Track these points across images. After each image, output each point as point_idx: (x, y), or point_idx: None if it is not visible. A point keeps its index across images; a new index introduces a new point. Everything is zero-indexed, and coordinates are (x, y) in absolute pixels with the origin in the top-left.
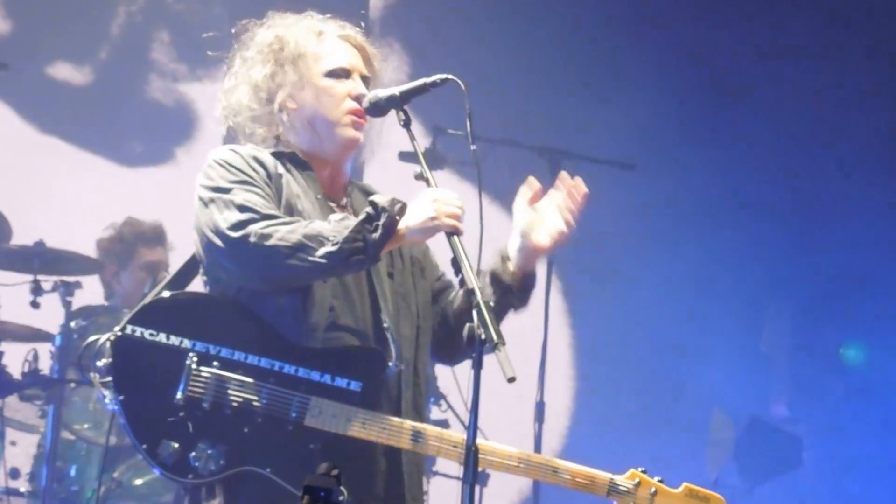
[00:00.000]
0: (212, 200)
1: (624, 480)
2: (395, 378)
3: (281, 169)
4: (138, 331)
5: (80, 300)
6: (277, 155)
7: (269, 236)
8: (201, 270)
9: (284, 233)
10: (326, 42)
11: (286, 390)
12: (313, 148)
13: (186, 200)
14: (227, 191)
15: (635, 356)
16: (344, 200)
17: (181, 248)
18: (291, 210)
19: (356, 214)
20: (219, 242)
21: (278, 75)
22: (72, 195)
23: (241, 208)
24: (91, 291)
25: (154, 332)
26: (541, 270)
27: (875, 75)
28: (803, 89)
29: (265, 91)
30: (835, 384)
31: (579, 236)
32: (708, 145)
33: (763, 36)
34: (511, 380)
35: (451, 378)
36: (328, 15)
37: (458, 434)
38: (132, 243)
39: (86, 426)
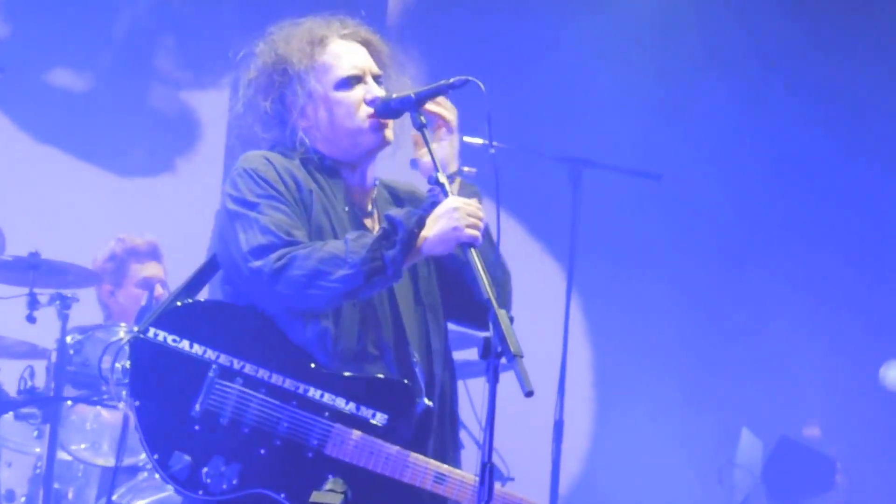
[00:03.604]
0: (237, 215)
1: None
2: (423, 415)
3: (311, 183)
4: (161, 335)
5: (77, 316)
6: (305, 162)
7: (285, 266)
8: (222, 276)
9: (301, 260)
10: (330, 49)
11: (309, 415)
12: (338, 155)
13: (187, 211)
14: (253, 206)
15: (660, 374)
16: (370, 207)
17: (181, 259)
18: (320, 227)
19: (381, 222)
20: (240, 263)
21: (287, 97)
22: (68, 206)
23: (264, 230)
24: (88, 307)
25: (177, 339)
26: (560, 283)
27: None
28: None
29: (275, 117)
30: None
31: (601, 249)
32: (739, 153)
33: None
34: (529, 394)
35: (464, 395)
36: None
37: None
38: (124, 260)
39: (83, 446)
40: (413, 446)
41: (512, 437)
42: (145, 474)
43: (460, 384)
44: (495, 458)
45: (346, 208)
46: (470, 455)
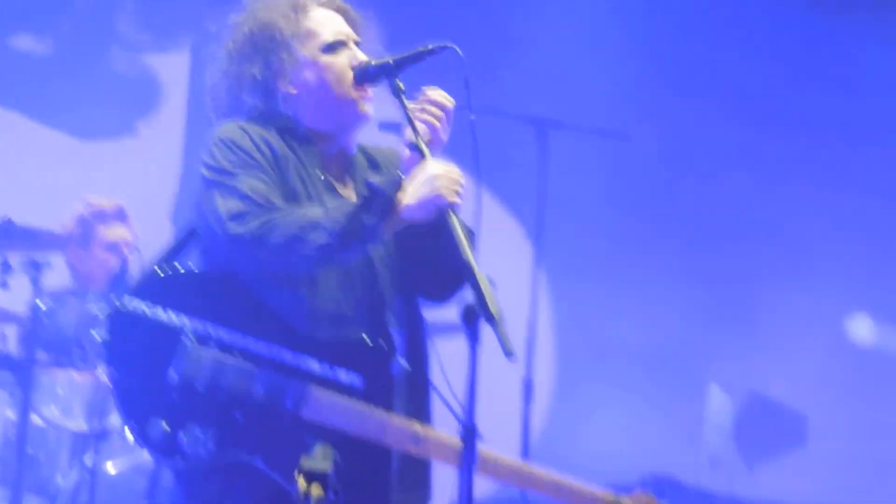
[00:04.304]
0: (214, 183)
1: (630, 501)
2: (398, 377)
3: (286, 150)
4: (137, 303)
5: (48, 280)
6: (282, 131)
7: (265, 233)
8: (200, 245)
9: (281, 226)
10: (312, 16)
11: (284, 378)
12: (320, 125)
13: (149, 173)
14: (230, 174)
15: (624, 334)
16: (347, 175)
17: (143, 221)
18: (296, 194)
19: (360, 189)
20: (219, 230)
21: (273, 63)
22: (32, 171)
23: (243, 197)
24: (60, 272)
25: (153, 307)
26: (526, 244)
27: None
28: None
29: (262, 83)
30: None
31: (568, 211)
32: (706, 113)
33: None
34: (510, 356)
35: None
36: None
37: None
38: (91, 223)
39: (54, 410)
40: (388, 408)
41: (479, 398)
42: (117, 438)
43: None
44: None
45: (322, 175)
46: (439, 416)
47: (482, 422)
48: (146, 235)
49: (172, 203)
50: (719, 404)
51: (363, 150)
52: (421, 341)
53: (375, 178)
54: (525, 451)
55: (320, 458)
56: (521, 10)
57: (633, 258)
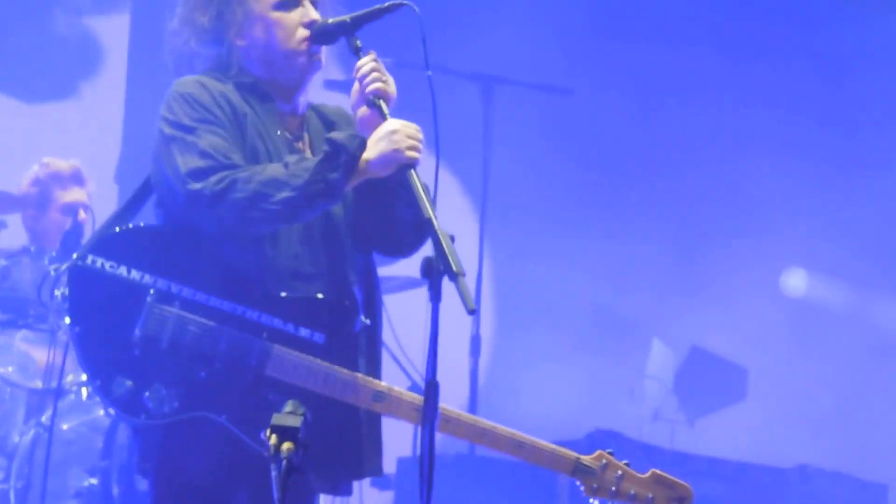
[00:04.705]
0: (173, 138)
1: (590, 461)
2: (359, 333)
3: (245, 106)
4: (98, 261)
5: (5, 241)
6: (239, 86)
7: (226, 189)
8: (155, 199)
9: (242, 183)
10: None
11: (247, 336)
12: (271, 78)
13: (92, 134)
14: (190, 130)
15: (567, 289)
16: (302, 132)
17: (89, 182)
18: (255, 151)
19: (315, 146)
20: (178, 187)
21: (225, 15)
22: None
23: (203, 154)
24: (14, 233)
25: (115, 265)
26: (474, 201)
27: None
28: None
29: (212, 33)
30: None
31: (514, 165)
32: (648, 67)
33: None
34: (472, 312)
35: (384, 315)
36: None
37: (421, 397)
38: (48, 185)
39: (10, 369)
40: (348, 364)
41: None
42: (72, 396)
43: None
44: (414, 375)
45: (279, 132)
46: (386, 371)
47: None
48: (92, 196)
49: (116, 163)
50: (661, 359)
51: (314, 108)
52: (376, 297)
53: (338, 135)
54: (472, 407)
55: (290, 414)
56: None
57: (576, 214)
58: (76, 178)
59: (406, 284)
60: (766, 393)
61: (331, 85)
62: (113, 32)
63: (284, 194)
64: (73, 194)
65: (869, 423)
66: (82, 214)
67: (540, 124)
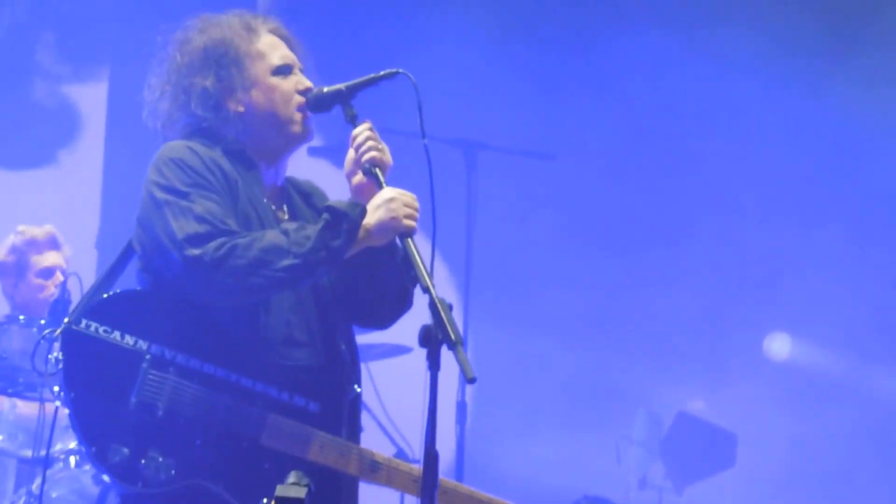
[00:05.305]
0: (167, 203)
1: None
2: (351, 402)
3: (234, 173)
4: (92, 325)
5: None
6: (228, 152)
7: (226, 255)
8: (140, 264)
9: (242, 249)
10: (261, 39)
11: (243, 405)
12: (261, 145)
13: (72, 201)
14: (184, 195)
15: (554, 354)
16: (283, 205)
17: (69, 249)
18: (247, 218)
19: (296, 218)
20: (174, 253)
21: (225, 79)
22: None
23: (200, 219)
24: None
25: (109, 329)
26: (460, 266)
27: None
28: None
29: (214, 97)
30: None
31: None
32: (628, 135)
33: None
34: (471, 381)
35: (367, 376)
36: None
37: (416, 466)
38: (24, 252)
39: (1, 438)
40: (338, 431)
41: (414, 420)
42: (61, 465)
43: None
44: (399, 442)
45: (265, 200)
46: (371, 437)
47: (416, 443)
48: (72, 262)
49: (96, 229)
50: (648, 425)
51: (289, 180)
52: (358, 360)
53: (339, 203)
54: (459, 474)
55: (295, 485)
56: (447, 37)
57: (560, 279)
58: (51, 243)
59: (388, 352)
60: (756, 460)
61: (314, 151)
62: (91, 101)
63: (287, 261)
64: (50, 258)
65: (859, 491)
66: (59, 277)
67: (523, 190)
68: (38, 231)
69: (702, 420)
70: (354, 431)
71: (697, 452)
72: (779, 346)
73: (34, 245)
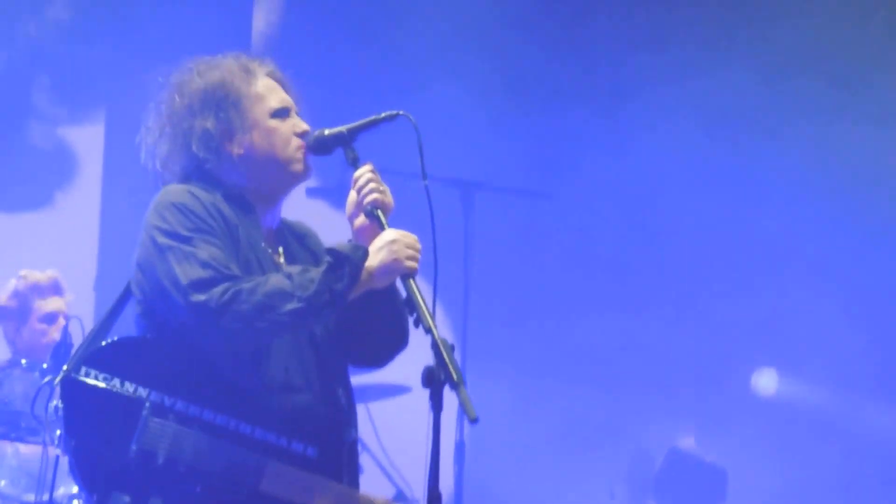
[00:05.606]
0: (170, 248)
1: None
2: (349, 447)
3: (235, 218)
4: (91, 373)
5: None
6: (227, 197)
7: (231, 300)
8: (139, 309)
9: (247, 294)
10: (259, 81)
11: (242, 451)
12: (260, 188)
13: (69, 244)
14: (186, 240)
15: (546, 391)
16: (280, 248)
17: (68, 291)
18: (248, 262)
19: (293, 261)
20: (178, 298)
21: (224, 122)
22: None
23: (204, 265)
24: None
25: (108, 377)
26: (458, 302)
27: None
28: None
29: (215, 139)
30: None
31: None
32: (624, 174)
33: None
34: (474, 421)
35: (366, 417)
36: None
37: None
38: (27, 297)
39: (2, 482)
40: (337, 477)
41: (413, 459)
42: None
43: (361, 407)
44: (399, 482)
45: (263, 244)
46: (370, 477)
47: (415, 483)
48: (71, 305)
49: (94, 271)
50: (640, 460)
51: (283, 223)
52: (354, 408)
53: (341, 246)
54: None
55: None
56: (441, 77)
57: (555, 317)
58: (55, 288)
59: (387, 391)
60: (747, 496)
61: (312, 192)
62: (87, 142)
63: (292, 305)
64: (53, 303)
65: None
66: (62, 322)
67: (520, 229)
68: (42, 276)
69: (692, 456)
70: (354, 476)
71: (688, 488)
72: (766, 381)
73: (37, 290)
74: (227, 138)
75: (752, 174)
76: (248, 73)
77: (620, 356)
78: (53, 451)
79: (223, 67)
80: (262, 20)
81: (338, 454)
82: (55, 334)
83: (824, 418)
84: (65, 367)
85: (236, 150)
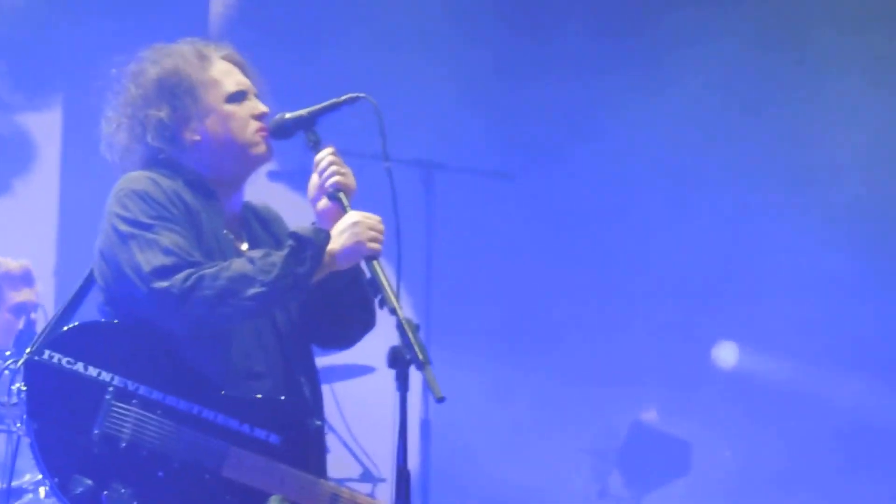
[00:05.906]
0: (132, 236)
1: None
2: (313, 434)
3: (197, 205)
4: (55, 356)
5: None
6: (188, 183)
7: (194, 287)
8: (102, 296)
9: (210, 280)
10: (215, 66)
11: (204, 437)
12: (219, 173)
13: (27, 230)
14: (148, 227)
15: (509, 370)
16: (243, 233)
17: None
18: (210, 249)
19: (256, 245)
20: (140, 286)
21: (179, 110)
22: None
23: (167, 251)
24: None
25: (72, 361)
26: (421, 282)
27: None
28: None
29: (170, 128)
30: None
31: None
32: (587, 153)
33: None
34: (440, 400)
35: (331, 397)
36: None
37: (377, 501)
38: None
39: None
40: (300, 464)
41: (379, 439)
42: (31, 496)
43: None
44: (365, 461)
45: (225, 231)
46: (336, 457)
47: (381, 462)
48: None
49: (53, 258)
50: (604, 435)
51: (246, 206)
52: (319, 391)
53: (303, 229)
54: (425, 492)
55: None
56: (400, 59)
57: (517, 299)
58: (26, 279)
59: (352, 372)
60: (710, 468)
61: (274, 176)
62: (45, 129)
63: (255, 290)
64: (24, 295)
65: (814, 498)
66: (33, 315)
67: (481, 209)
68: (14, 265)
69: (656, 429)
70: (320, 463)
71: (652, 461)
72: (726, 354)
73: (9, 279)
74: (182, 126)
75: (723, 154)
76: (203, 58)
77: (583, 333)
78: (15, 437)
79: (177, 54)
80: (218, 1)
81: (302, 441)
82: (22, 325)
83: (786, 390)
84: (28, 350)
85: (192, 136)
